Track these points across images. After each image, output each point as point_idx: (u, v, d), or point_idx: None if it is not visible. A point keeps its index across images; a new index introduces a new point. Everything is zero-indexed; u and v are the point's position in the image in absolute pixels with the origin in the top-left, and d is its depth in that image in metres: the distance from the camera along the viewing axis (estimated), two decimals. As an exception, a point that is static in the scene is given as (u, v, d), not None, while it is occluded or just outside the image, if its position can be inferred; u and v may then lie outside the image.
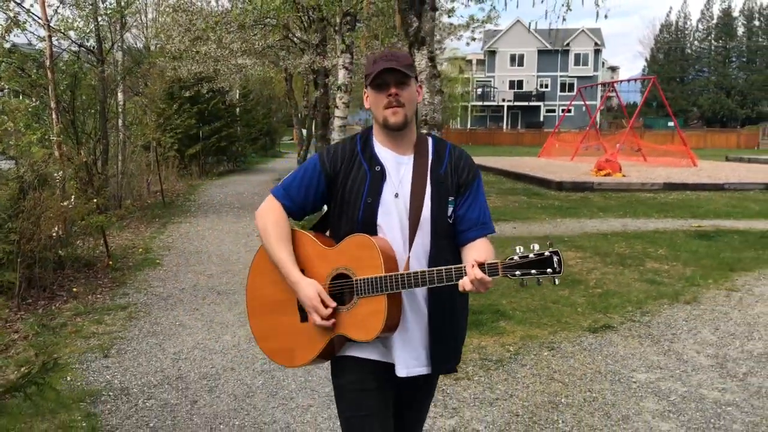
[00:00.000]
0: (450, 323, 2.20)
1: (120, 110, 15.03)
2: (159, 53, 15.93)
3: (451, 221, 2.18)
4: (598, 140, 26.13)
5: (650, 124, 63.97)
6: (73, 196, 7.11)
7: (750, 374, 4.50)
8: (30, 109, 9.21)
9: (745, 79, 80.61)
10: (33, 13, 10.76)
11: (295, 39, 13.72)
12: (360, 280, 2.07)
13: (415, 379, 2.19)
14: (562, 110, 34.42)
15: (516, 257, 1.95)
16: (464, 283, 1.93)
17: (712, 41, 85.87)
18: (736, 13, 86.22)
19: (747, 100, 77.08)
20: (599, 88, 64.39)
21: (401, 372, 2.14)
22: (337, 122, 11.17)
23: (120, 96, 15.32)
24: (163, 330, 5.59)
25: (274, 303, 2.23)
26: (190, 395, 4.24)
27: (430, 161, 2.19)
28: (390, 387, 2.21)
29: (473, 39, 13.69)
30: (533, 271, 1.93)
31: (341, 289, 2.13)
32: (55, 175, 7.10)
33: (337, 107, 11.19)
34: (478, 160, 25.73)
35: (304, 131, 21.66)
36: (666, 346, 5.04)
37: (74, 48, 12.28)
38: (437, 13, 13.38)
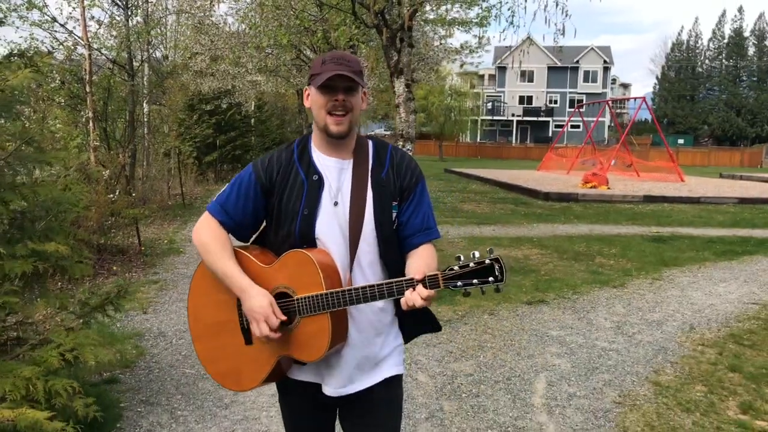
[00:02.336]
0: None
1: (145, 119, 16.60)
2: (182, 68, 17.50)
3: (394, 227, 2.10)
4: (594, 155, 27.45)
5: (658, 141, 64.94)
6: (118, 191, 8.56)
7: (638, 333, 5.86)
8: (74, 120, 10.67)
9: (756, 98, 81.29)
10: (75, 34, 12.32)
11: (304, 58, 15.21)
12: (301, 298, 1.98)
13: (351, 397, 2.14)
14: (560, 126, 35.74)
15: (456, 267, 1.88)
16: (407, 302, 1.89)
17: (723, 60, 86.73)
18: (747, 33, 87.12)
19: (757, 119, 77.64)
20: (607, 104, 66.01)
21: (327, 391, 2.11)
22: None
23: (145, 106, 16.91)
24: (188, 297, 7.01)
25: (216, 324, 2.13)
26: (210, 337, 5.65)
27: (370, 166, 2.10)
28: (330, 407, 2.19)
29: (462, 64, 15.04)
30: (475, 281, 1.86)
31: (284, 308, 2.01)
32: (104, 173, 8.57)
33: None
34: (478, 171, 27.09)
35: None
36: (582, 315, 6.40)
37: (109, 64, 13.85)
38: (438, 35, 14.82)
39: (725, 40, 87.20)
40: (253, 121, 28.59)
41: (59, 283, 6.43)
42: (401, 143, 7.27)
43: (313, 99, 2.06)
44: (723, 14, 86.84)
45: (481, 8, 11.60)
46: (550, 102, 73.04)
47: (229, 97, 18.26)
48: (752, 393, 4.50)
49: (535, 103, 73.09)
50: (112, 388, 4.43)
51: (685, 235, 11.61)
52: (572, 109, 70.64)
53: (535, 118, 71.22)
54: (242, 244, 2.18)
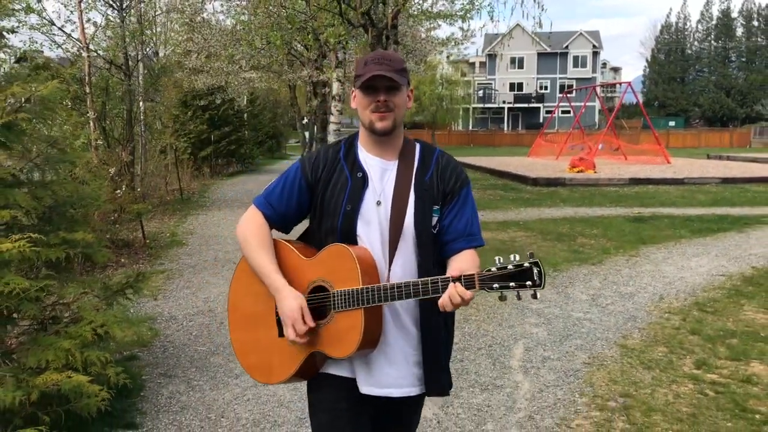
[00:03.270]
0: (438, 341, 2.12)
1: (141, 117, 17.00)
2: (176, 65, 17.91)
3: (435, 231, 2.08)
4: (582, 140, 27.97)
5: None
6: (124, 186, 9.02)
7: (611, 305, 6.38)
8: (77, 120, 11.10)
9: (745, 78, 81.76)
10: (74, 37, 12.74)
11: (296, 54, 15.66)
12: (336, 293, 1.98)
13: (393, 400, 2.11)
14: (550, 112, 36.28)
15: (494, 268, 1.84)
16: (444, 304, 1.86)
17: (712, 41, 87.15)
18: (735, 14, 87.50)
19: (746, 99, 78.08)
20: (597, 89, 66.56)
21: (364, 389, 2.08)
22: (332, 127, 13.05)
23: (141, 105, 17.31)
24: (194, 285, 7.50)
25: (252, 316, 2.16)
26: (217, 319, 6.14)
27: (415, 167, 2.11)
28: (366, 407, 2.13)
29: (449, 55, 15.51)
30: (512, 284, 1.82)
31: (319, 302, 2.03)
32: (110, 171, 9.03)
33: (331, 114, 13.08)
34: (469, 159, 27.61)
35: (307, 134, 23.64)
36: (561, 290, 6.91)
37: (105, 64, 14.27)
38: (425, 28, 15.26)
39: (713, 22, 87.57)
40: (245, 115, 29.00)
41: (80, 271, 6.91)
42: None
43: (357, 100, 2.08)
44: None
45: (465, 1, 12.05)
46: (541, 88, 73.45)
47: (222, 92, 18.68)
48: (708, 352, 5.02)
49: (525, 90, 73.48)
50: (133, 364, 4.92)
51: (665, 214, 12.14)
52: (569, 94, 71.33)
53: (526, 105, 71.63)
54: (287, 238, 2.20)
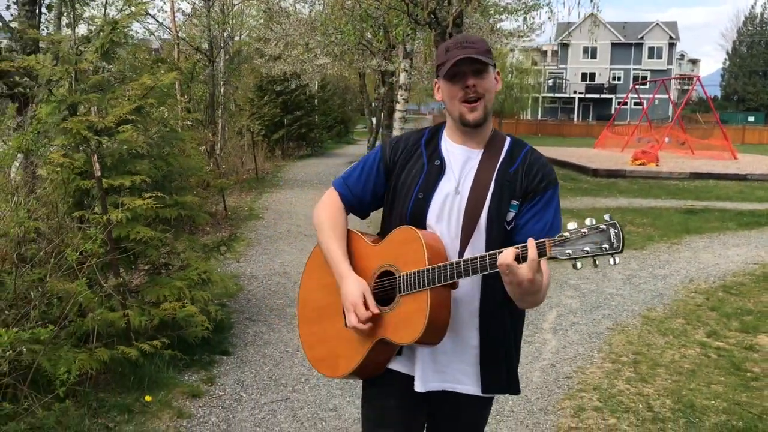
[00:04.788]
0: (499, 338, 2.04)
1: (221, 101, 18.23)
2: (255, 53, 19.06)
3: (510, 228, 1.95)
4: (650, 133, 27.92)
5: (726, 119, 63.68)
6: (211, 164, 10.10)
7: (643, 284, 7.01)
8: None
9: (830, 73, 78.55)
10: (166, 26, 13.93)
11: (366, 43, 16.51)
12: (402, 275, 1.92)
13: (451, 403, 2.06)
14: (620, 104, 36.16)
15: (566, 233, 1.69)
16: (507, 258, 1.70)
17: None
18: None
19: (837, 93, 75.05)
20: (672, 82, 65.30)
21: (419, 387, 2.00)
22: (398, 114, 13.86)
23: (222, 89, 18.53)
24: (270, 252, 8.48)
25: (321, 308, 2.13)
26: (291, 279, 7.07)
27: (501, 159, 2.00)
28: (418, 406, 2.07)
29: (512, 48, 16.01)
30: (587, 248, 1.66)
31: (387, 287, 1.98)
32: (200, 149, 10.11)
33: (398, 102, 13.90)
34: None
35: (374, 120, 24.55)
36: (600, 270, 7.57)
37: (192, 51, 15.47)
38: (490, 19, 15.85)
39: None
40: (316, 100, 30.11)
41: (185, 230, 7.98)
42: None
43: (443, 91, 1.98)
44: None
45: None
46: (614, 79, 72.24)
47: (296, 78, 19.76)
48: (721, 325, 5.64)
49: (598, 80, 72.40)
50: (224, 310, 5.90)
51: (718, 208, 12.48)
52: (638, 86, 70.14)
53: (597, 96, 70.58)
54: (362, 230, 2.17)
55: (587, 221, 1.69)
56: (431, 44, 9.27)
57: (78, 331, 3.96)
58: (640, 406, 4.08)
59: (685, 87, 71.80)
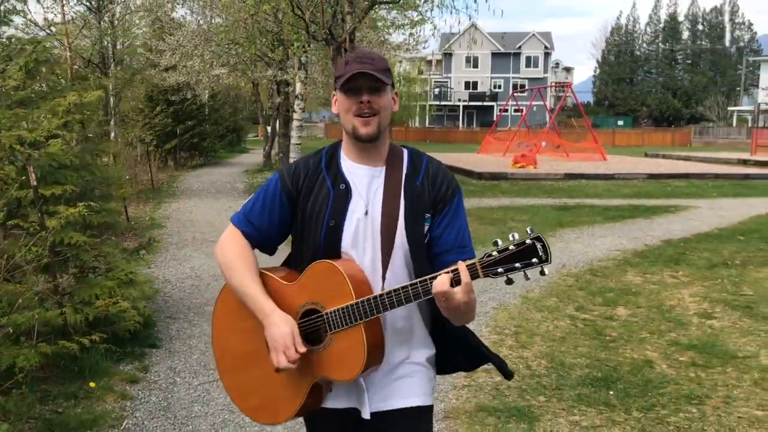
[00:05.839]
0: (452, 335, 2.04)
1: (113, 112, 18.10)
2: (146, 63, 19.03)
3: (426, 241, 1.96)
4: (528, 138, 29.82)
5: (599, 123, 67.87)
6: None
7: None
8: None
9: (690, 80, 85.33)
10: (59, 39, 13.82)
11: (260, 54, 16.95)
12: (330, 312, 1.86)
13: (390, 417, 1.98)
14: (504, 111, 38.34)
15: (495, 252, 1.72)
16: (443, 285, 1.70)
17: (660, 44, 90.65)
18: (681, 18, 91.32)
19: (691, 100, 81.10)
20: (548, 89, 69.31)
21: (366, 413, 1.96)
22: (295, 123, 14.45)
23: (111, 100, 18.39)
24: (179, 257, 8.82)
25: (245, 355, 2.02)
26: (204, 281, 7.50)
27: (404, 174, 1.99)
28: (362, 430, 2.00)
29: (401, 60, 16.98)
30: (517, 264, 1.70)
31: (313, 326, 1.91)
32: (104, 159, 10.23)
33: (294, 111, 14.46)
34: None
35: (269, 128, 24.93)
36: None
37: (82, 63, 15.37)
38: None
39: (661, 24, 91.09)
40: (207, 110, 30.06)
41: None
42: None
43: (339, 103, 1.95)
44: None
45: (415, 15, 13.55)
46: (495, 87, 75.60)
47: (188, 88, 19.88)
48: (587, 301, 6.60)
49: (480, 89, 75.60)
50: (149, 307, 6.27)
51: (588, 204, 13.85)
52: (516, 93, 73.56)
53: (480, 103, 73.61)
54: (267, 266, 2.07)
55: (511, 237, 1.74)
56: (329, 57, 9.90)
57: (18, 330, 4.29)
58: (521, 366, 4.88)
59: (561, 94, 76.25)
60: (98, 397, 4.23)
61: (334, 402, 2.00)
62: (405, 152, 2.05)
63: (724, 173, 21.08)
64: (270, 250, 2.09)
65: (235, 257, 1.99)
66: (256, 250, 2.07)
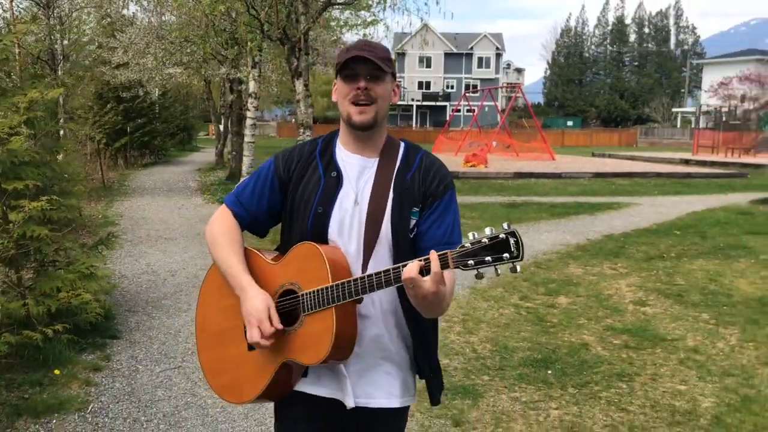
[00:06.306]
0: (426, 340, 2.06)
1: (62, 110, 17.87)
2: (97, 60, 18.84)
3: (412, 236, 1.92)
4: (480, 138, 30.41)
5: (549, 124, 69.20)
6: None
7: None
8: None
9: (637, 81, 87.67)
10: (17, 36, 13.63)
11: (213, 52, 16.99)
12: (305, 294, 1.85)
13: (370, 420, 1.99)
14: (457, 111, 39.00)
15: (467, 244, 1.70)
16: (411, 272, 1.68)
17: (608, 46, 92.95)
18: (628, 21, 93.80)
19: (638, 101, 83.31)
20: (500, 90, 70.56)
21: (350, 402, 1.93)
22: (249, 121, 14.54)
23: (61, 99, 18.15)
24: (134, 254, 8.92)
25: (222, 332, 2.04)
26: (161, 276, 7.63)
27: (397, 166, 1.97)
28: (332, 428, 2.02)
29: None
30: (488, 258, 1.68)
31: (289, 307, 1.90)
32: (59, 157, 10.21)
33: (248, 110, 14.56)
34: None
35: (221, 126, 24.90)
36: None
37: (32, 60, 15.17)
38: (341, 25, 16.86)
39: (609, 27, 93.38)
40: (157, 108, 29.80)
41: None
42: (302, 129, 9.41)
43: (338, 90, 1.95)
44: (607, 2, 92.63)
45: (368, 13, 13.82)
46: (448, 87, 76.48)
47: (138, 86, 19.75)
48: (531, 291, 6.98)
49: (433, 88, 76.39)
50: (109, 299, 6.39)
51: (536, 201, 14.35)
52: (468, 94, 74.33)
53: (433, 103, 74.36)
54: (259, 246, 2.10)
55: (487, 230, 1.71)
56: (283, 57, 10.10)
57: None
58: (467, 350, 5.20)
59: (512, 95, 77.58)
60: (63, 384, 4.38)
61: (315, 389, 1.98)
62: (402, 145, 2.04)
63: (666, 172, 21.95)
64: (261, 232, 2.11)
65: (219, 234, 2.02)
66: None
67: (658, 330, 5.74)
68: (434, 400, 2.13)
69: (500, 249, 1.69)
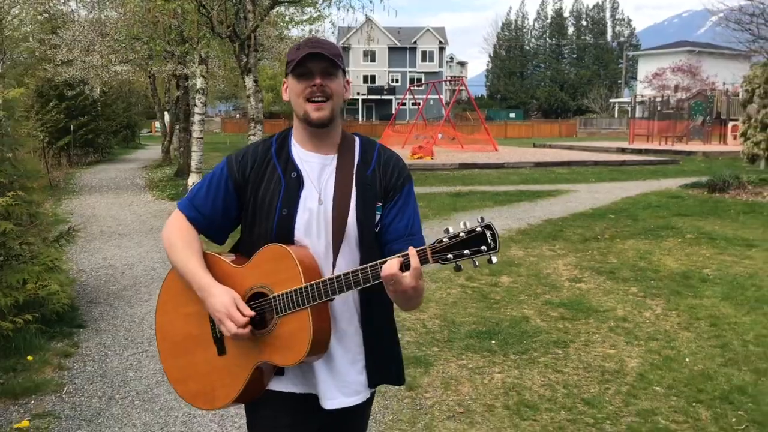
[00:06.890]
0: (385, 342, 2.05)
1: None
2: (39, 58, 18.59)
3: (377, 230, 1.95)
4: (425, 130, 30.98)
5: (492, 116, 70.29)
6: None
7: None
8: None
9: (576, 73, 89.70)
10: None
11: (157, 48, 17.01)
12: (277, 296, 1.85)
13: (344, 411, 1.99)
14: (402, 104, 39.50)
15: (445, 239, 1.74)
16: (392, 268, 1.70)
17: (547, 39, 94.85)
18: (566, 14, 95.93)
19: (577, 92, 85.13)
20: (444, 83, 71.48)
21: (328, 404, 1.95)
22: (197, 117, 14.65)
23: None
24: (89, 249, 9.04)
25: (186, 339, 2.00)
26: (119, 270, 7.81)
27: (356, 162, 1.98)
28: (311, 422, 2.01)
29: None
30: (466, 252, 1.72)
31: (260, 309, 1.88)
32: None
33: (196, 106, 14.68)
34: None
35: (166, 123, 24.78)
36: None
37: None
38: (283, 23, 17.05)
39: (548, 20, 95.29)
40: (99, 105, 29.38)
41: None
42: (253, 125, 9.67)
43: (290, 88, 1.94)
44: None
45: (313, 9, 14.10)
46: (392, 81, 77.00)
47: (82, 84, 19.55)
48: (476, 272, 7.41)
49: (378, 82, 76.79)
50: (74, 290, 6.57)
51: (480, 191, 14.90)
52: (413, 88, 74.98)
53: (379, 97, 74.75)
54: (217, 251, 2.07)
55: (462, 224, 1.75)
56: (232, 53, 10.33)
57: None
58: (418, 326, 5.60)
59: (455, 88, 78.57)
60: (36, 369, 4.61)
61: (289, 386, 1.98)
62: (357, 140, 2.05)
63: (603, 160, 22.87)
64: (218, 239, 2.09)
65: (175, 238, 1.99)
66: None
67: (591, 303, 6.26)
68: (400, 382, 2.16)
69: (477, 242, 1.73)
